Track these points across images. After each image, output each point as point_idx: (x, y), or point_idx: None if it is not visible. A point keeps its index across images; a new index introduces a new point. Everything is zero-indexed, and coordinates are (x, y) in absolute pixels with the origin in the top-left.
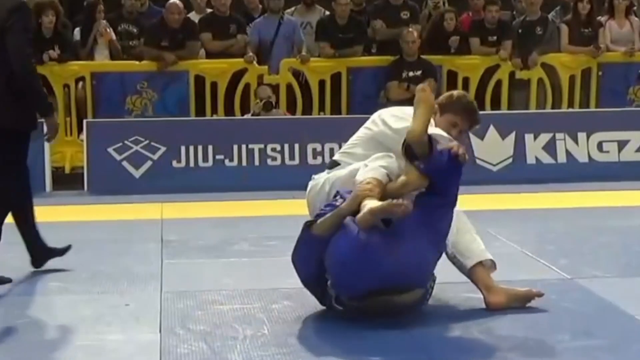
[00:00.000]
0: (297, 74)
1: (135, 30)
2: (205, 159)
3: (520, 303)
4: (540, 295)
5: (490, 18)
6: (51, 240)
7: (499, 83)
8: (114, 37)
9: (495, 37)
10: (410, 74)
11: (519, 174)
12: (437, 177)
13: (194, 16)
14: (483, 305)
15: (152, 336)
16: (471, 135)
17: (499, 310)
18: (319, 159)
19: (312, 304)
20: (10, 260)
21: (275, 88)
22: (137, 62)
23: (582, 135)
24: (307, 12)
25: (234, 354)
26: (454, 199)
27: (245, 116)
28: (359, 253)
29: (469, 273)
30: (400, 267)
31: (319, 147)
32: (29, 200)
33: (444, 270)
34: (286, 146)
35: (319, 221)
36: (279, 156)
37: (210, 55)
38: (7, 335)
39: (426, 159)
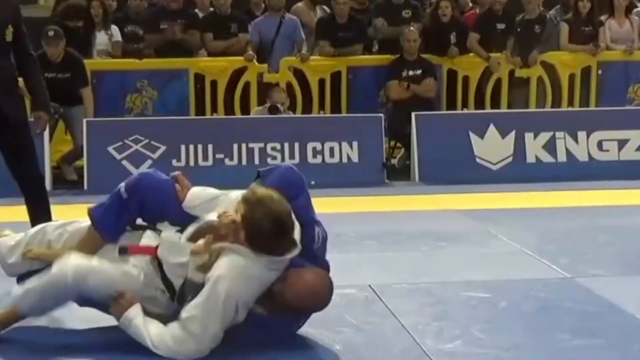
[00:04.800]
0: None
1: (140, 31)
2: (205, 158)
3: None
4: None
5: (496, 10)
6: None
7: (498, 81)
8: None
9: (503, 25)
10: (411, 72)
11: (519, 172)
12: None
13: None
14: (483, 305)
15: None
16: (471, 134)
17: None
18: (319, 158)
19: None
20: None
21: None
22: (137, 61)
23: (582, 134)
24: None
25: (234, 353)
26: None
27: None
28: None
29: None
30: None
31: (319, 146)
32: None
33: (444, 268)
34: (286, 145)
35: None
36: (279, 155)
37: (211, 53)
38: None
39: None
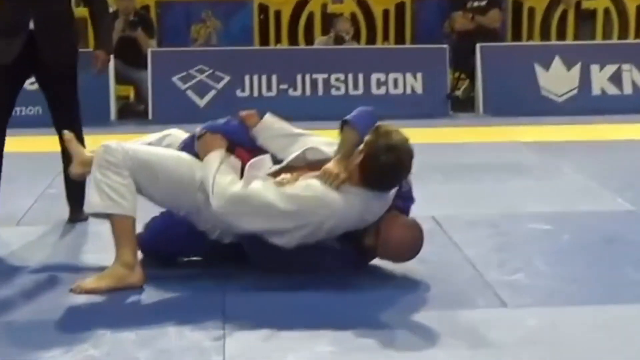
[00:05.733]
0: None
1: None
2: (269, 89)
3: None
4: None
5: None
6: None
7: (564, 13)
8: None
9: None
10: (475, 4)
11: (584, 105)
12: None
13: None
14: (546, 237)
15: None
16: (537, 66)
17: None
18: (383, 89)
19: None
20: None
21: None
22: None
23: None
24: None
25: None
26: None
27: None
28: None
29: None
30: None
31: (382, 77)
32: None
33: (507, 200)
34: (350, 76)
35: None
36: (342, 86)
37: None
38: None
39: None
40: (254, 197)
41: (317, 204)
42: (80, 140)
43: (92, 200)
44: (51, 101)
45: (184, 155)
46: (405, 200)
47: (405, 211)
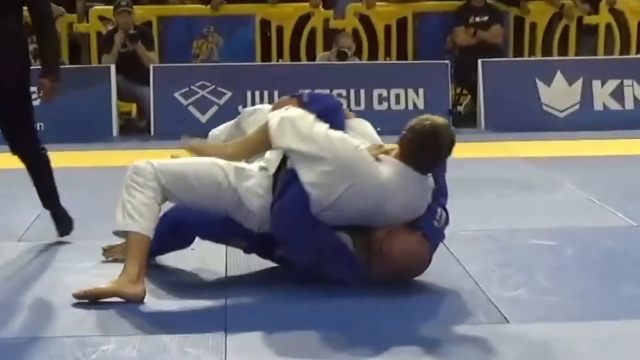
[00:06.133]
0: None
1: None
2: (271, 104)
3: None
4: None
5: None
6: (116, 184)
7: (566, 28)
8: None
9: None
10: (477, 19)
11: (585, 120)
12: None
13: None
14: (549, 252)
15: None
16: (538, 82)
17: None
18: (385, 105)
19: None
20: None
21: None
22: (203, 6)
23: None
24: None
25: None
26: None
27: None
28: None
29: None
30: None
31: (384, 92)
32: None
33: (510, 216)
34: (352, 91)
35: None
36: (344, 101)
37: None
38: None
39: None
40: (302, 118)
41: (351, 151)
42: (41, 158)
43: (117, 218)
44: (6, 124)
45: (218, 160)
46: (429, 226)
47: (429, 240)
